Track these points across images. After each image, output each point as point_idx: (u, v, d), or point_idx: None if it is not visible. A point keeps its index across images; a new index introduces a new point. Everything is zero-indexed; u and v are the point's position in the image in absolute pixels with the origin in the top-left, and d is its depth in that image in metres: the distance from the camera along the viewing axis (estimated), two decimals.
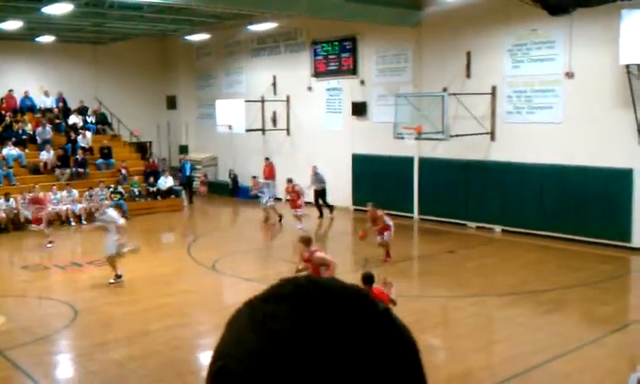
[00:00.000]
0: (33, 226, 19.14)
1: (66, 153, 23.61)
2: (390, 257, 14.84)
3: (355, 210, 21.55)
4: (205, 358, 9.70)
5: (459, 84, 18.53)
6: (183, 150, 28.81)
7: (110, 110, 27.03)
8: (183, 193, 24.54)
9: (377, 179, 20.94)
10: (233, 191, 26.09)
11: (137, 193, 23.16)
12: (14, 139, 23.35)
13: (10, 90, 25.28)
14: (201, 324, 11.31)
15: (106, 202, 17.24)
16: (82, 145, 24.43)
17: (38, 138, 24.02)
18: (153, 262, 15.62)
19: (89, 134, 25.07)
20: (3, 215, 19.98)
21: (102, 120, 26.79)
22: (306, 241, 9.95)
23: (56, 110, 25.96)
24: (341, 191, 21.91)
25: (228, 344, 0.85)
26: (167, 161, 27.35)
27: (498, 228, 18.25)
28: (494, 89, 18.22)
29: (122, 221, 13.80)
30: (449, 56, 19.03)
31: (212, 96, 26.27)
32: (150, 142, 27.67)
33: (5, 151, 22.66)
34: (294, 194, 19.31)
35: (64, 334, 11.29)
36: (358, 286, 0.92)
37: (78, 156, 23.57)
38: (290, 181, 19.85)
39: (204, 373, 0.95)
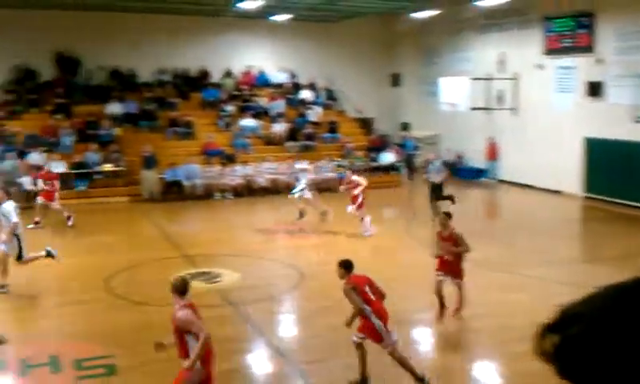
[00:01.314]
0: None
1: (296, 126, 25.04)
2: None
3: (586, 197, 20.31)
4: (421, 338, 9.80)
5: None
6: (405, 127, 29.09)
7: (337, 87, 28.04)
8: (404, 169, 24.82)
9: (612, 165, 19.45)
10: (454, 170, 25.85)
11: (359, 167, 23.85)
12: (251, 112, 25.25)
13: (249, 66, 27.25)
14: (409, 299, 11.37)
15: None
16: (311, 119, 25.72)
17: (271, 111, 25.75)
18: (374, 236, 15.96)
19: (318, 109, 26.30)
20: (241, 181, 21.80)
21: (330, 96, 27.91)
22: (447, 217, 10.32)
23: (288, 85, 27.53)
24: (567, 176, 20.73)
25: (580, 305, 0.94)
26: (389, 137, 27.76)
27: None
28: None
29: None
30: None
31: (436, 73, 26.11)
32: (374, 118, 28.26)
33: (243, 123, 24.60)
34: (351, 186, 16.38)
35: (290, 296, 12.08)
36: None
37: (306, 130, 24.89)
38: (348, 169, 17.70)
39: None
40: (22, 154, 20.91)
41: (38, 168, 20.30)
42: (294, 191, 17.70)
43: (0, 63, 23.40)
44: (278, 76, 27.81)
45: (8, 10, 22.84)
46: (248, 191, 21.81)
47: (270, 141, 24.57)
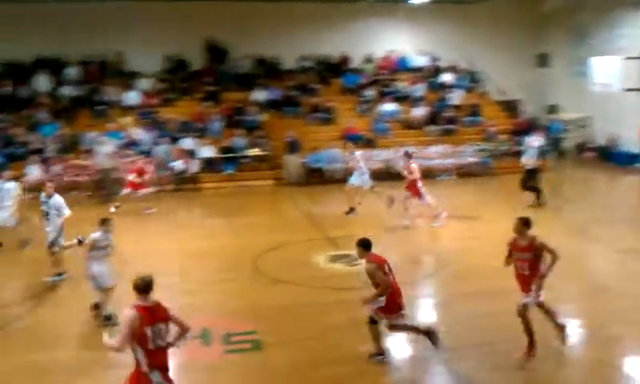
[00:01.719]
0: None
1: (436, 110, 24.70)
2: None
3: None
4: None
5: None
6: (553, 109, 27.83)
7: (478, 69, 27.30)
8: (550, 154, 23.76)
9: None
10: (606, 155, 24.45)
11: (503, 151, 23.14)
12: (391, 96, 25.20)
13: (389, 51, 27.17)
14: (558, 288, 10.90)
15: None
16: (452, 102, 25.27)
17: (411, 95, 25.56)
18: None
19: (459, 92, 25.78)
20: (380, 166, 21.86)
21: (472, 78, 27.24)
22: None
23: (429, 68, 27.17)
24: None
25: None
26: (536, 120, 26.65)
27: None
28: None
29: None
30: None
31: (587, 53, 24.73)
32: (519, 101, 27.25)
33: (383, 107, 24.62)
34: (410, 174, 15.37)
35: (431, 280, 12.07)
36: None
37: (447, 113, 24.49)
38: (406, 155, 15.93)
39: None
40: (174, 140, 22.22)
41: (190, 153, 21.52)
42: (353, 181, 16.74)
43: (154, 54, 24.92)
44: (418, 59, 27.49)
45: (162, 3, 24.28)
46: (387, 176, 21.79)
47: (410, 125, 24.42)
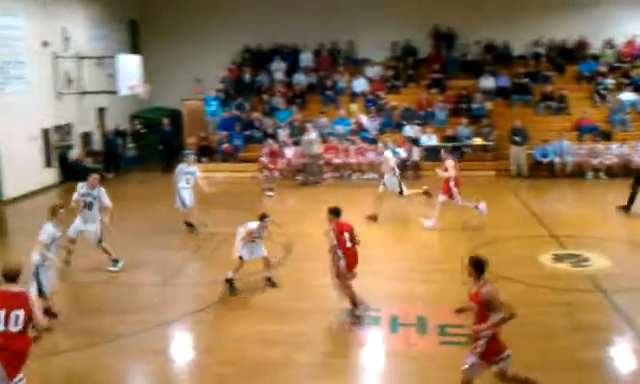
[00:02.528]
0: None
1: None
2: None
3: None
4: None
5: None
6: None
7: None
8: None
9: None
10: None
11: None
12: (632, 85, 23.16)
13: (634, 35, 24.90)
14: None
15: None
16: None
17: None
18: None
19: None
20: (617, 160, 20.28)
21: None
22: None
23: None
24: None
25: None
26: None
27: None
28: None
29: None
30: None
31: None
32: None
33: (622, 96, 22.70)
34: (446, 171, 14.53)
35: None
36: None
37: None
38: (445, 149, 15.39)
39: None
40: (399, 127, 22.49)
41: (413, 141, 21.64)
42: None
43: (382, 40, 25.37)
44: None
45: None
46: (624, 171, 20.08)
47: None
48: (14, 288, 6.37)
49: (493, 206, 17.32)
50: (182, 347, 9.24)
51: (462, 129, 21.97)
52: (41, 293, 9.07)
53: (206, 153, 22.66)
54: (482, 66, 24.54)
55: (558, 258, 12.19)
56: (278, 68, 25.42)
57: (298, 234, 13.84)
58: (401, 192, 15.35)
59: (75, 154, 21.81)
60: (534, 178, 20.56)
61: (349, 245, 9.38)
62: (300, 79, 25.01)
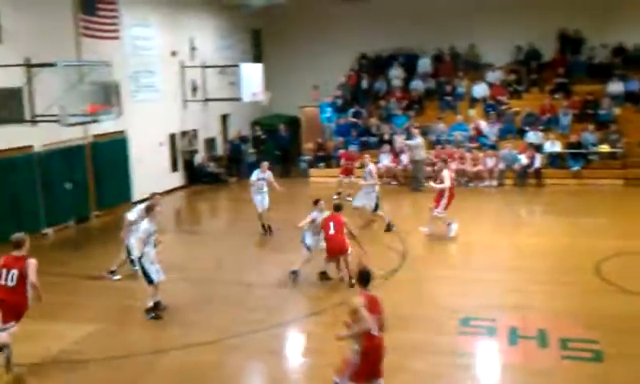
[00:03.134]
0: None
1: None
2: None
3: None
4: None
5: None
6: None
7: None
8: None
9: None
10: None
11: None
12: None
13: None
14: None
15: None
16: None
17: None
18: None
19: None
20: None
21: None
22: None
23: None
24: None
25: None
26: None
27: None
28: None
29: None
30: None
31: None
32: None
33: None
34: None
35: None
36: None
37: None
38: (443, 161, 15.36)
39: None
40: (521, 133, 21.84)
41: (536, 147, 20.93)
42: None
43: (505, 44, 24.70)
44: None
45: None
46: None
47: None
48: (18, 253, 8.00)
49: (618, 216, 16.51)
50: (294, 348, 9.45)
51: (587, 135, 20.99)
52: (150, 282, 10.02)
53: (323, 159, 22.99)
54: (610, 69, 23.35)
55: None
56: (396, 74, 25.39)
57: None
58: (375, 209, 15.24)
59: (200, 158, 22.80)
60: None
61: (332, 232, 11.07)
62: (417, 85, 24.85)
